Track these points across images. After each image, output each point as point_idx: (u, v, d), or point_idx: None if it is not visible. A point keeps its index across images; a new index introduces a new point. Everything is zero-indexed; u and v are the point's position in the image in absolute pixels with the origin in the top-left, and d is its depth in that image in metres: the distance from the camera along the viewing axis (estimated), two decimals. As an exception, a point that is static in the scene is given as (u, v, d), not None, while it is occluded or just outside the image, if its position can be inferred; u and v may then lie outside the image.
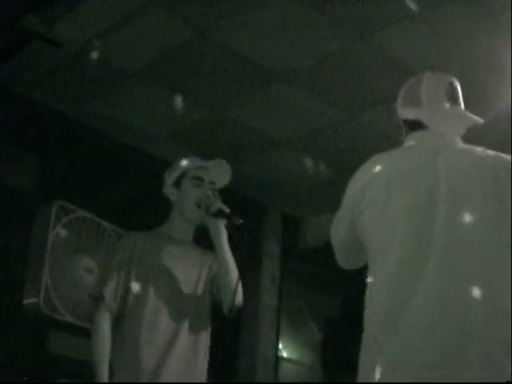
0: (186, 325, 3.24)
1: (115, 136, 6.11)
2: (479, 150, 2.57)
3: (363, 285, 2.54)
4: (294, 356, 7.30)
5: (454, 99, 2.72)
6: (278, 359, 7.03)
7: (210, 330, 3.36)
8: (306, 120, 5.87)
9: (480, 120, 2.73)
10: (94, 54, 5.22)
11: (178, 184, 3.44)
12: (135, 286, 3.22)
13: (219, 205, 3.29)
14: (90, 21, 4.92)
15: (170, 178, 3.46)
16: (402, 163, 2.56)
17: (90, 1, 4.73)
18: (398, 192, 2.47)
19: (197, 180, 3.40)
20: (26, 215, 5.48)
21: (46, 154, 5.88)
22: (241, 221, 3.29)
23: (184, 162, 3.46)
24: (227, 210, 3.28)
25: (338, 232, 2.67)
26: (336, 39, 4.95)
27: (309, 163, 6.43)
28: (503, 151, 2.56)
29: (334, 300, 7.74)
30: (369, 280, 2.47)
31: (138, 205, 6.18)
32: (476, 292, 2.25)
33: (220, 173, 3.45)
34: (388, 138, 6.15)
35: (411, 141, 2.67)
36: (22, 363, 5.42)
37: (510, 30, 4.57)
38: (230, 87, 5.55)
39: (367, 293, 2.47)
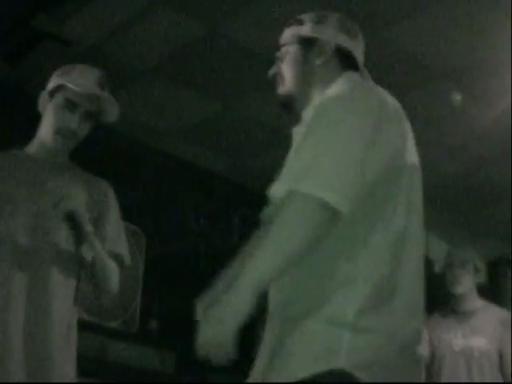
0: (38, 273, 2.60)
1: (127, 133, 6.12)
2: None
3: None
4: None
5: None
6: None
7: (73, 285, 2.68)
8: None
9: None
10: (106, 52, 5.23)
11: (52, 94, 2.76)
12: None
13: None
14: (101, 19, 4.93)
15: (50, 82, 2.79)
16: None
17: (100, -1, 4.75)
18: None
19: (70, 103, 2.72)
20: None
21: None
22: None
23: (70, 72, 2.73)
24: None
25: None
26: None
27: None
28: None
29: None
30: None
31: (151, 201, 6.19)
32: None
33: (107, 107, 2.85)
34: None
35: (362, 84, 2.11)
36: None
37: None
38: (241, 83, 5.55)
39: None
